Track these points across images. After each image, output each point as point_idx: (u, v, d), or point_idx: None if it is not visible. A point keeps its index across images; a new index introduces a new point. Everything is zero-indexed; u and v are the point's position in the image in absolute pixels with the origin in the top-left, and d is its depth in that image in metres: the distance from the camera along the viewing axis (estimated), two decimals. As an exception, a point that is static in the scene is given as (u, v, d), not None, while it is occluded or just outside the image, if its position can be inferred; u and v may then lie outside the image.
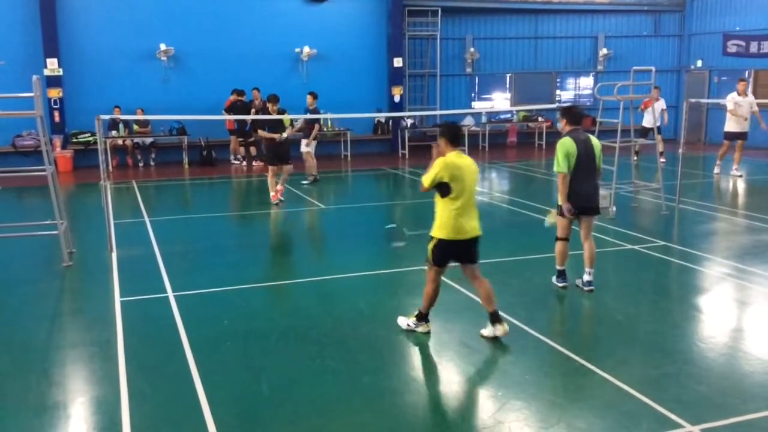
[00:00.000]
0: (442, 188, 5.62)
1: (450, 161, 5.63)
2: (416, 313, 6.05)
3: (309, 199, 12.72)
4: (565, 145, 6.79)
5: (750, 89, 16.00)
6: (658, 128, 14.13)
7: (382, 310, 6.65)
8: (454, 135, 5.81)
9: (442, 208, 5.68)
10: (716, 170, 14.61)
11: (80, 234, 9.79)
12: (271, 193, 12.10)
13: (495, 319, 5.81)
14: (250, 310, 6.76)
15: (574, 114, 6.98)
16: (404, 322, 6.10)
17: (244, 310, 6.74)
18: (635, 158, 15.23)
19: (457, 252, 5.79)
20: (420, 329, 6.01)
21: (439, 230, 5.70)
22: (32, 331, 6.28)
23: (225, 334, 6.08)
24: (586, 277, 7.10)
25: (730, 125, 14.51)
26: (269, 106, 12.20)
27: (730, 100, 14.24)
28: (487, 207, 12.19)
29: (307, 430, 4.46)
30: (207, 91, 17.64)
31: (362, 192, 14.95)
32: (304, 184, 14.16)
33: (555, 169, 6.90)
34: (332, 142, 19.46)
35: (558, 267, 7.24)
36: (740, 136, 14.36)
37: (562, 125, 6.97)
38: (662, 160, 14.54)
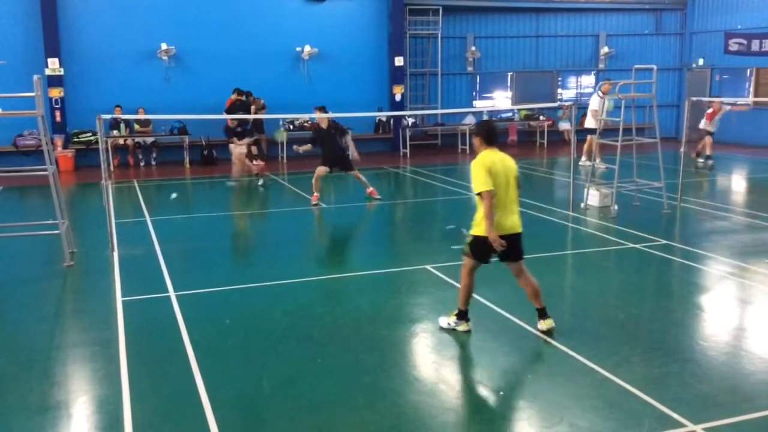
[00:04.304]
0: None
1: (486, 159, 5.58)
2: (456, 311, 5.96)
3: (309, 198, 12.70)
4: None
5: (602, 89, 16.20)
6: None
7: (383, 310, 6.65)
8: (488, 134, 5.71)
9: (480, 206, 5.61)
10: (588, 162, 15.25)
11: (82, 233, 9.78)
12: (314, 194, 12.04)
13: (543, 314, 5.83)
14: (251, 309, 6.76)
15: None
16: (444, 321, 6.02)
17: (245, 310, 6.73)
18: (698, 159, 16.19)
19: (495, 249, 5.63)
20: (460, 328, 5.92)
21: (477, 227, 5.66)
22: (34, 331, 6.29)
23: (226, 333, 6.08)
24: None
25: (593, 122, 15.01)
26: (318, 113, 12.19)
27: (596, 99, 15.52)
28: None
29: (309, 429, 4.46)
30: (208, 91, 17.64)
31: (363, 191, 14.93)
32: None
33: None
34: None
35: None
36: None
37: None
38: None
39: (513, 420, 4.46)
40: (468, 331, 5.90)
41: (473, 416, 4.55)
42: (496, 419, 4.47)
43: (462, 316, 5.93)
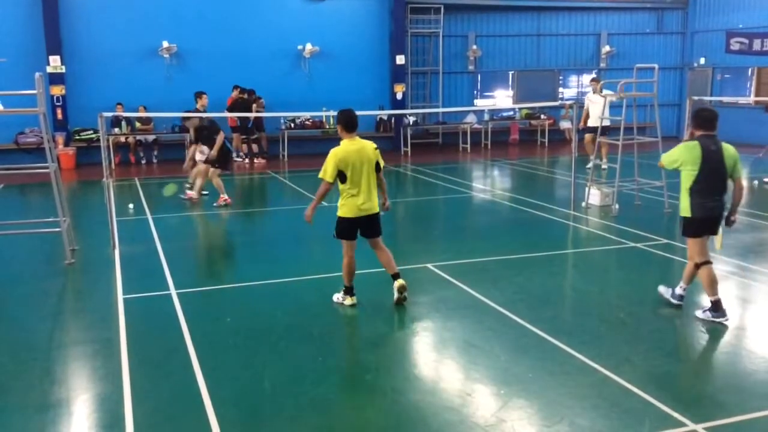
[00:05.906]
0: (340, 176, 6.24)
1: (339, 150, 6.22)
2: (343, 288, 6.62)
3: (310, 196, 12.71)
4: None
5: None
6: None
7: (384, 308, 6.65)
8: (348, 121, 6.30)
9: (341, 190, 6.31)
10: (593, 163, 14.14)
11: (83, 231, 9.79)
12: (224, 196, 12.00)
13: (396, 277, 6.56)
14: (252, 307, 6.77)
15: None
16: (336, 297, 6.71)
17: (246, 308, 6.74)
18: None
19: (358, 227, 6.42)
20: (347, 302, 6.58)
21: (340, 209, 6.40)
22: (35, 329, 6.29)
23: (227, 331, 6.08)
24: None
25: (590, 121, 14.97)
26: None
27: (587, 98, 15.57)
28: (490, 204, 12.17)
29: (309, 427, 4.46)
30: (209, 89, 17.43)
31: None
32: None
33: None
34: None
35: (710, 298, 6.15)
36: (603, 130, 13.97)
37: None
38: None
39: (513, 419, 4.46)
40: (354, 305, 6.55)
41: (474, 415, 4.54)
42: (496, 418, 4.47)
43: (348, 291, 6.60)
